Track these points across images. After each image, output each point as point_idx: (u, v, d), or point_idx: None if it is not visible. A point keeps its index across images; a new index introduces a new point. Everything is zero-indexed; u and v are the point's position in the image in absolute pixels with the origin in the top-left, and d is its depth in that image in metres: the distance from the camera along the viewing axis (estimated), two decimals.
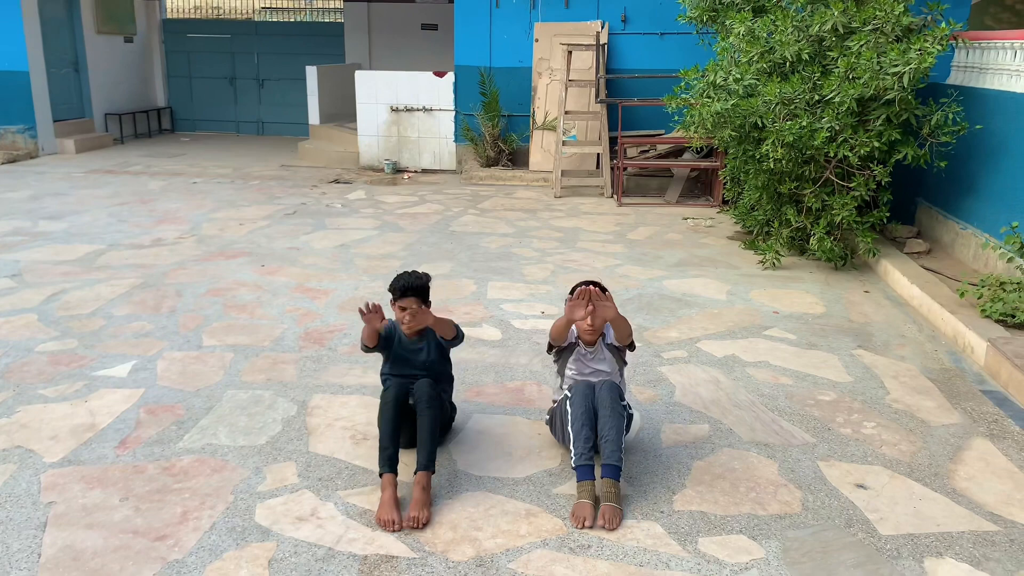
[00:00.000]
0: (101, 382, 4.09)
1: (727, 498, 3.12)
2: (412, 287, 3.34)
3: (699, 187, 9.56)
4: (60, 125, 12.30)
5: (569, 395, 3.32)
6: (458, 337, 3.46)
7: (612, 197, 9.25)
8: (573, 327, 3.42)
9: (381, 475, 3.06)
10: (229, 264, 6.31)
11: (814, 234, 6.26)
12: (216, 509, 3.00)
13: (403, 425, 3.28)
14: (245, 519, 2.94)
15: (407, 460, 3.25)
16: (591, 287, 3.25)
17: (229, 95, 15.33)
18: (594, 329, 3.36)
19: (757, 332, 4.97)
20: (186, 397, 3.94)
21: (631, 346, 3.48)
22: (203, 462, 3.33)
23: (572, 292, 3.50)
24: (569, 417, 3.23)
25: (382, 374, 3.62)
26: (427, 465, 3.07)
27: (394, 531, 2.88)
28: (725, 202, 8.51)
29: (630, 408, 3.40)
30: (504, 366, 4.39)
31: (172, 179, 10.23)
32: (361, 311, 3.32)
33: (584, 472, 3.09)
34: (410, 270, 3.45)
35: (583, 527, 2.92)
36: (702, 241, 7.32)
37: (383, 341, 3.46)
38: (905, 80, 5.54)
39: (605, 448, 3.13)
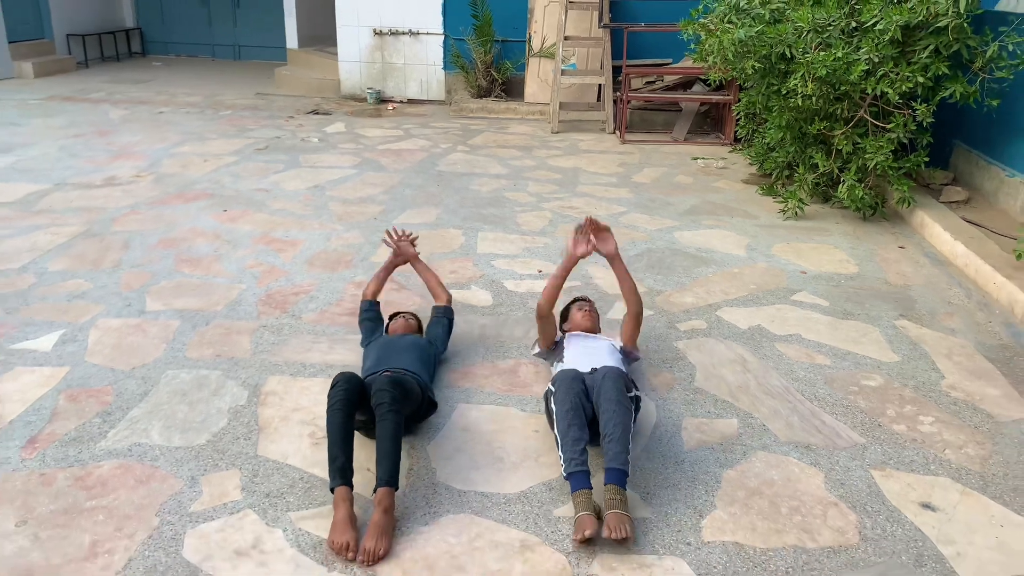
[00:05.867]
0: (19, 358, 3.46)
1: (767, 523, 2.55)
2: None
3: (709, 123, 8.80)
4: (16, 47, 11.35)
5: (553, 389, 2.76)
6: (451, 311, 3.49)
7: (614, 133, 8.50)
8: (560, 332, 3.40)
9: (332, 490, 2.48)
10: (187, 208, 5.61)
11: (844, 181, 5.58)
12: (135, 538, 2.40)
13: (365, 419, 2.73)
14: (170, 553, 2.35)
15: (370, 461, 2.66)
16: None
17: (203, 15, 14.27)
18: (591, 324, 3.25)
19: (784, 297, 4.35)
20: (118, 378, 3.32)
21: (635, 357, 3.31)
22: (127, 470, 2.73)
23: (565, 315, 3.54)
24: (555, 416, 2.66)
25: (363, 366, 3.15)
26: (388, 481, 2.47)
27: (350, 559, 2.31)
28: (737, 140, 7.81)
29: (637, 391, 2.85)
30: (495, 339, 3.77)
31: (136, 108, 9.40)
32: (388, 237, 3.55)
33: (578, 480, 2.52)
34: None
35: (584, 539, 2.36)
36: (715, 185, 6.63)
37: (377, 312, 3.53)
38: (961, 4, 4.79)
39: (609, 449, 2.56)
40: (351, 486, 2.49)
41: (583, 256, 3.21)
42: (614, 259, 3.24)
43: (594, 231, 3.19)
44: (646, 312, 4.04)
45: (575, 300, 3.55)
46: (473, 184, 6.46)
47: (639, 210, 5.87)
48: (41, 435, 2.91)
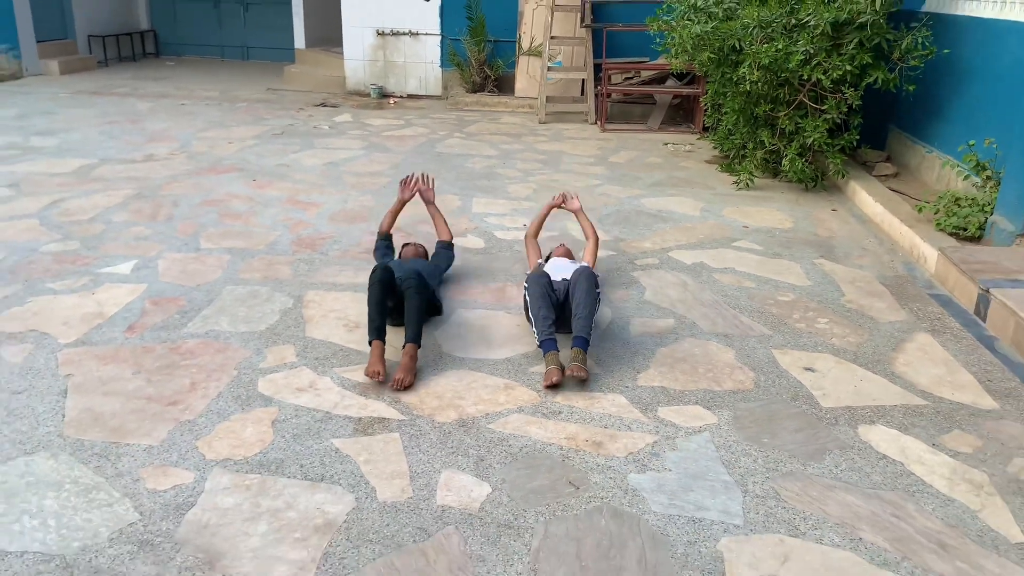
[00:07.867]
0: (106, 278, 4.34)
1: (686, 377, 3.44)
2: None
3: (681, 114, 9.74)
4: (43, 46, 12.21)
5: (527, 286, 3.63)
6: (452, 247, 3.98)
7: (596, 123, 9.42)
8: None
9: (370, 342, 3.37)
10: (221, 178, 6.49)
11: (786, 155, 6.50)
12: (222, 381, 3.28)
13: (391, 305, 3.61)
14: (249, 389, 3.23)
15: (395, 342, 3.55)
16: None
17: (213, 18, 15.16)
18: (567, 254, 4.04)
19: (726, 243, 5.25)
20: (187, 291, 4.19)
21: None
22: (207, 344, 3.61)
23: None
24: (529, 303, 3.55)
25: None
26: (415, 339, 3.37)
27: (380, 381, 3.23)
28: (706, 129, 8.71)
29: (600, 290, 3.72)
30: (487, 270, 4.66)
31: (159, 101, 10.27)
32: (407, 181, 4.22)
33: (548, 345, 3.41)
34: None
35: (551, 385, 3.25)
36: (681, 164, 7.55)
37: (390, 243, 4.28)
38: (877, 4, 5.72)
39: (577, 324, 3.45)
40: (384, 341, 3.39)
41: (554, 206, 4.59)
42: (578, 213, 4.49)
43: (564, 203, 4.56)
44: (610, 253, 4.95)
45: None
46: (468, 163, 7.36)
47: (612, 183, 6.78)
48: (137, 324, 3.79)
